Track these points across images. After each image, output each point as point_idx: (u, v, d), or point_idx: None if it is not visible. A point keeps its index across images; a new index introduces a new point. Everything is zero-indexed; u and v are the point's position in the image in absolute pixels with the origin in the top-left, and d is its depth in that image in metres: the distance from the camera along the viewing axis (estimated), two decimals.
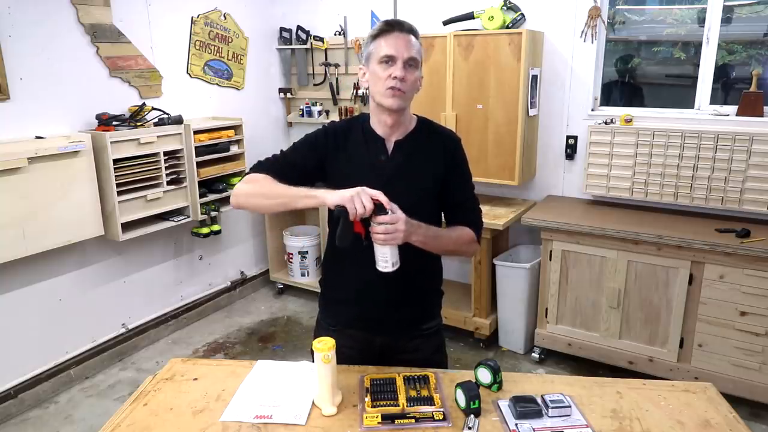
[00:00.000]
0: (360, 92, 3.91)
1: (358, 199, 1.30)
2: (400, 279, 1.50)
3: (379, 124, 1.54)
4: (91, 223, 2.91)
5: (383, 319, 1.58)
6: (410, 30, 1.48)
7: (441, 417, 1.31)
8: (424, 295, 1.65)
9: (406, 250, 1.47)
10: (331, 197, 1.34)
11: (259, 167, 1.57)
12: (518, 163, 3.20)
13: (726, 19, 2.99)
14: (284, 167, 1.56)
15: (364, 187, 1.33)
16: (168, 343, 3.59)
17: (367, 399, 1.36)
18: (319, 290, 1.74)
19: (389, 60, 1.44)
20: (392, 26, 1.46)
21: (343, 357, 1.48)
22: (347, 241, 1.36)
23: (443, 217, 1.65)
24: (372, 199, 1.31)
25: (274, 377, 1.51)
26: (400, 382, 1.43)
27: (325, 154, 1.56)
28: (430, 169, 1.55)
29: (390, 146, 1.54)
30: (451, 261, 3.78)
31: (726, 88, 3.17)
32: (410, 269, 1.52)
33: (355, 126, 1.58)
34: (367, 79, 1.52)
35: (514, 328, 3.34)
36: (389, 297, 1.55)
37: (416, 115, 1.61)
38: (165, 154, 3.18)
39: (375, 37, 1.48)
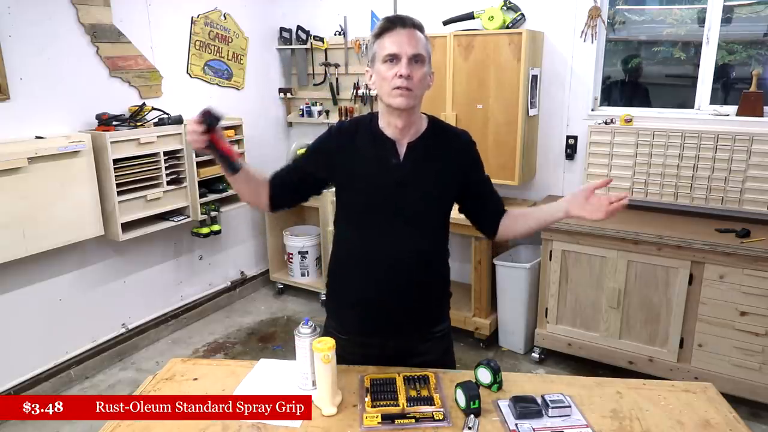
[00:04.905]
0: (360, 92, 3.91)
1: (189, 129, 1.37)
2: (411, 284, 1.51)
3: (389, 126, 1.49)
4: (91, 223, 2.91)
5: (395, 324, 1.55)
6: (413, 25, 1.42)
7: (441, 417, 1.31)
8: (433, 301, 1.63)
9: (416, 254, 1.50)
10: None
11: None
12: (518, 163, 3.20)
13: (726, 19, 2.99)
14: (287, 172, 1.59)
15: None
16: (168, 343, 3.59)
17: (367, 399, 1.36)
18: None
19: (393, 58, 1.39)
20: (394, 23, 1.41)
21: (357, 363, 1.51)
22: (228, 166, 1.42)
23: (465, 214, 1.63)
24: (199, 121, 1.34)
25: (274, 376, 1.51)
26: (400, 382, 1.43)
27: (331, 153, 1.53)
28: (444, 174, 1.51)
29: (402, 149, 1.49)
30: (451, 261, 3.77)
31: (726, 88, 3.17)
32: (421, 274, 1.53)
33: (362, 126, 1.53)
34: (373, 81, 1.47)
35: (514, 328, 3.34)
36: (401, 302, 1.52)
37: (425, 114, 1.55)
38: (165, 154, 3.18)
39: (378, 36, 1.43)
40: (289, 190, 1.60)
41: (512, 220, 1.62)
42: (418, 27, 1.43)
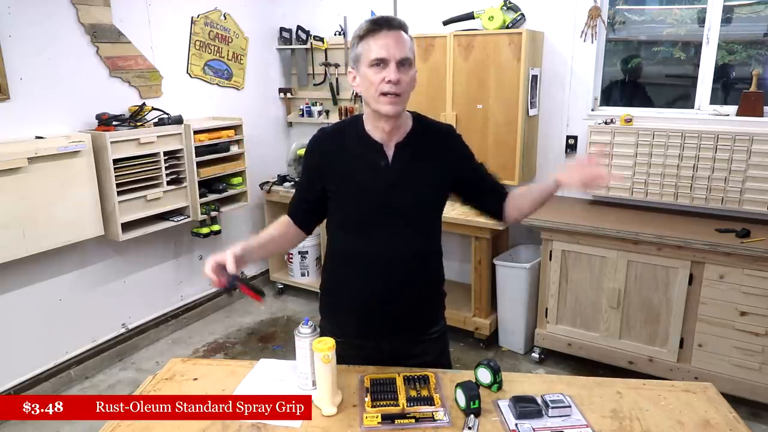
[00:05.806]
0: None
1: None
2: (405, 284, 1.51)
3: (376, 129, 1.46)
4: (91, 223, 2.91)
5: (390, 326, 1.55)
6: (399, 26, 1.38)
7: (441, 417, 1.31)
8: (429, 301, 1.63)
9: (410, 254, 1.49)
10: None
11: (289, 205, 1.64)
12: (518, 163, 3.20)
13: (726, 19, 2.99)
14: (298, 200, 1.61)
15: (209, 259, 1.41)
16: (168, 343, 3.59)
17: (367, 399, 1.36)
18: (318, 290, 1.72)
19: (381, 63, 1.35)
20: (380, 25, 1.37)
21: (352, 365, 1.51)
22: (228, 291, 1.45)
23: (470, 205, 1.63)
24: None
25: (274, 376, 1.51)
26: (400, 382, 1.43)
27: (322, 156, 1.52)
28: (437, 172, 1.50)
29: (390, 151, 1.47)
30: (451, 261, 3.77)
31: (726, 88, 3.17)
32: (416, 273, 1.53)
33: (349, 129, 1.51)
34: (358, 83, 1.43)
35: (514, 328, 3.34)
36: (396, 303, 1.52)
37: (409, 111, 1.52)
38: (165, 154, 3.17)
39: (362, 37, 1.38)
40: (308, 214, 1.60)
41: (519, 198, 1.61)
42: (404, 28, 1.40)
